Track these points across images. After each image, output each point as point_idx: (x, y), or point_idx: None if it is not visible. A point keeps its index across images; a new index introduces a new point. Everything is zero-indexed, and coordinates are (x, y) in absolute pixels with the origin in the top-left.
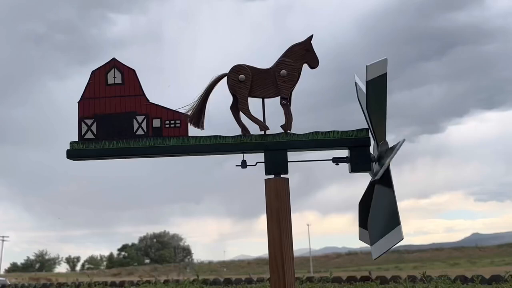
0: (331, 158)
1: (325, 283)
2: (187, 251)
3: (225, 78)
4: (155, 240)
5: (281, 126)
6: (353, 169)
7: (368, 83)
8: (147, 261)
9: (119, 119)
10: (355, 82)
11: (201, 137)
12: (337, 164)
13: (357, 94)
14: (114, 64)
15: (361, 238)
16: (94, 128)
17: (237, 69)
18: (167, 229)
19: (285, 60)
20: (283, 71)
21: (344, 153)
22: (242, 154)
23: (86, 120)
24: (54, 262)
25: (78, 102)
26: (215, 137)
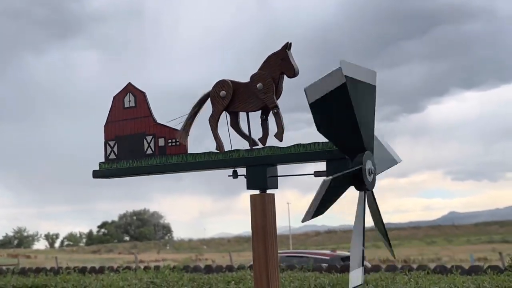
0: (311, 173)
1: (306, 271)
2: (167, 229)
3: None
4: (135, 217)
5: (275, 136)
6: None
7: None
8: (127, 238)
9: (133, 140)
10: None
11: (197, 154)
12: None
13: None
14: (129, 88)
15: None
16: (115, 149)
17: (220, 85)
18: (147, 207)
19: (256, 74)
20: (259, 85)
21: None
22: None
23: (110, 142)
24: (32, 238)
25: (104, 126)
26: (208, 153)
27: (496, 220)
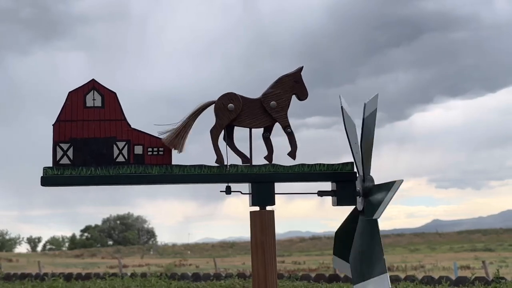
0: (316, 192)
1: (294, 281)
2: (151, 234)
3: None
4: (118, 222)
5: (288, 154)
6: (338, 203)
7: (364, 120)
8: (110, 242)
9: (97, 144)
10: (341, 106)
11: (186, 166)
12: (321, 196)
13: (343, 120)
14: (93, 85)
15: (336, 266)
16: (70, 153)
17: (229, 97)
18: (131, 211)
19: (271, 91)
20: (273, 103)
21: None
22: (227, 184)
23: (62, 145)
24: (14, 242)
25: (53, 125)
26: (200, 166)
27: (479, 228)
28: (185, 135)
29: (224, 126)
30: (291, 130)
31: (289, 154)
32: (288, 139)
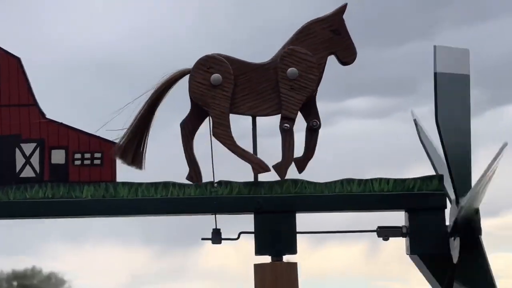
0: (374, 229)
1: None
2: None
3: (186, 77)
4: (15, 283)
5: (273, 167)
6: (413, 250)
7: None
8: None
9: None
10: (414, 120)
11: (140, 184)
12: (385, 239)
13: (418, 134)
14: None
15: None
16: None
17: (207, 64)
18: (36, 264)
19: (296, 51)
20: (293, 70)
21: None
22: (214, 216)
23: None
24: None
25: None
26: (166, 185)
27: None
28: (145, 138)
29: (229, 114)
30: (291, 127)
31: (275, 167)
32: (283, 140)
